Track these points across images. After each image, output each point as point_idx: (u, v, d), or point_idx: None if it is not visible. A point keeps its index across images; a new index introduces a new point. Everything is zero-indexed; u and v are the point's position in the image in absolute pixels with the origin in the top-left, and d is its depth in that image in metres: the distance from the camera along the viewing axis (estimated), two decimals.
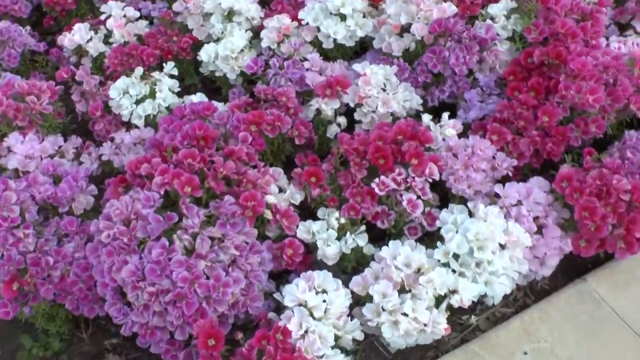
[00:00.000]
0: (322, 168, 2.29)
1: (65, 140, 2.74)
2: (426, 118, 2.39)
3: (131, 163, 2.25)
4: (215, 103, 2.65)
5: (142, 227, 2.03)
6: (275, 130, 2.40)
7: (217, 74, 2.84)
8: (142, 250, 2.02)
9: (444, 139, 2.35)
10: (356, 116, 2.51)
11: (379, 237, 2.26)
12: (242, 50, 2.80)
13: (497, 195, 2.18)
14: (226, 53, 2.76)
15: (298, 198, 2.25)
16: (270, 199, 2.17)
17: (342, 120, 2.56)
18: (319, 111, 2.53)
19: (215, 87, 3.03)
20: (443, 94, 2.60)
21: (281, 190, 2.28)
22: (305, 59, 2.70)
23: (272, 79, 2.68)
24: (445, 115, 2.40)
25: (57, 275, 2.18)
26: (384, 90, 2.49)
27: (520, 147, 2.28)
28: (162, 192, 2.10)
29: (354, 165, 2.26)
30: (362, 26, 2.76)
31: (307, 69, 2.66)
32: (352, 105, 2.50)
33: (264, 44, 2.80)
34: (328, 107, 2.49)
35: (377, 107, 2.46)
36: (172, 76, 2.74)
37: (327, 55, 2.82)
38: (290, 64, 2.66)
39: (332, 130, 2.55)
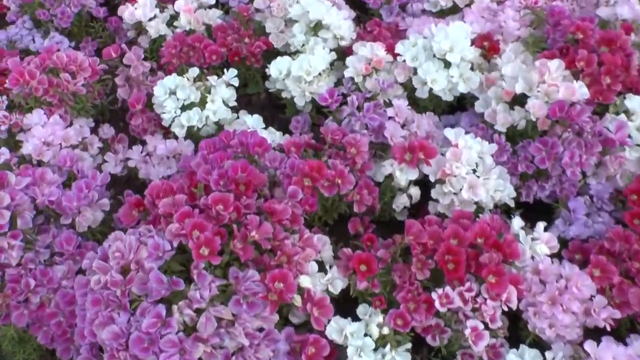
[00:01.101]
0: (377, 255, 1.85)
1: (97, 126, 2.38)
2: (517, 224, 1.91)
3: (152, 188, 1.86)
4: (271, 133, 2.24)
5: (141, 282, 1.64)
6: (334, 189, 1.96)
7: (284, 94, 2.41)
8: (134, 310, 1.63)
9: (532, 257, 1.87)
10: (433, 194, 2.05)
11: (419, 343, 1.82)
12: (319, 74, 2.36)
13: (585, 351, 1.70)
14: (300, 74, 2.32)
15: (339, 286, 1.81)
16: (304, 281, 1.74)
17: (415, 192, 2.11)
18: (390, 175, 2.08)
19: (281, 102, 2.61)
20: (542, 192, 2.11)
21: (321, 267, 1.85)
22: (390, 104, 2.25)
23: (345, 119, 2.24)
24: (541, 226, 1.91)
25: (36, 302, 1.83)
26: (474, 171, 2.02)
27: (628, 296, 1.78)
28: (175, 243, 1.70)
29: (417, 262, 1.81)
30: (467, 80, 2.28)
31: (390, 118, 2.21)
32: (432, 179, 2.04)
33: (347, 73, 2.35)
34: (403, 175, 2.03)
35: (461, 190, 1.99)
36: (230, 85, 2.32)
37: (416, 103, 2.35)
38: (371, 106, 2.20)
39: (401, 201, 2.10)
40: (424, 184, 2.14)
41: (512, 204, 2.07)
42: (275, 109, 2.70)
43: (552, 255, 1.89)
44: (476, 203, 2.02)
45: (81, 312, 1.72)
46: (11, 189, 1.84)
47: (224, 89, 2.29)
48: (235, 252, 1.69)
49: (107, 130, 2.41)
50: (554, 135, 2.06)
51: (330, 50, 2.44)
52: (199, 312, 1.61)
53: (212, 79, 2.29)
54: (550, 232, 1.94)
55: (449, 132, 2.09)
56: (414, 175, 2.05)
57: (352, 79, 2.35)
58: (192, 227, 1.69)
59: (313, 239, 1.84)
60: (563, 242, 1.98)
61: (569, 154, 2.01)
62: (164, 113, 2.26)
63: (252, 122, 2.25)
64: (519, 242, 1.87)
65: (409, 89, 2.35)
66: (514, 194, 2.07)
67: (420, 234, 1.84)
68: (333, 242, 2.04)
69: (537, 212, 2.11)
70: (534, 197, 2.13)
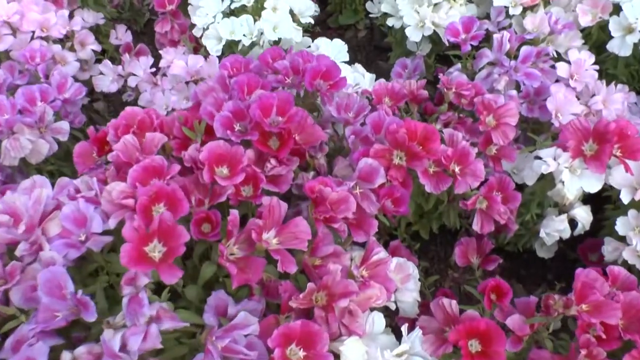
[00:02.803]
0: (508, 325, 0.93)
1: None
2: None
3: (126, 117, 1.04)
4: (355, 71, 1.37)
5: (28, 285, 0.82)
6: (444, 181, 1.07)
7: (390, 21, 1.52)
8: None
9: None
10: (619, 226, 1.09)
11: None
12: None
13: None
14: None
15: None
16: (351, 351, 0.85)
17: (582, 215, 1.17)
18: (547, 177, 1.15)
19: (384, 43, 1.74)
20: None
21: (391, 323, 0.96)
22: (562, 59, 1.31)
23: (484, 70, 1.32)
24: None
25: None
26: None
27: None
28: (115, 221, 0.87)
29: (584, 344, 0.88)
30: None
31: (558, 80, 1.27)
32: (625, 199, 1.09)
33: (497, 1, 1.43)
34: (575, 182, 1.10)
35: None
36: None
37: (602, 69, 1.40)
38: (531, 54, 1.28)
39: (556, 227, 1.16)
40: (596, 201, 1.21)
41: None
42: (377, 53, 1.84)
43: None
44: None
45: None
46: None
47: None
48: (223, 265, 0.83)
49: (122, 34, 1.63)
50: None
51: None
52: None
53: None
54: None
55: None
56: (595, 184, 1.10)
57: (505, 9, 1.42)
58: (155, 197, 0.85)
59: (386, 266, 0.95)
60: None
61: None
62: (196, 18, 1.44)
63: (331, 49, 1.37)
64: None
65: (595, 40, 1.40)
66: None
67: (590, 293, 0.90)
68: (421, 273, 1.16)
69: None
70: None
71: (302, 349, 0.80)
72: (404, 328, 0.91)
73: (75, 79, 1.44)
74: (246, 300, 0.88)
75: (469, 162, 1.09)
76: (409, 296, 1.03)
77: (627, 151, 1.08)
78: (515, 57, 1.29)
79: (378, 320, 0.91)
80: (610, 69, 1.43)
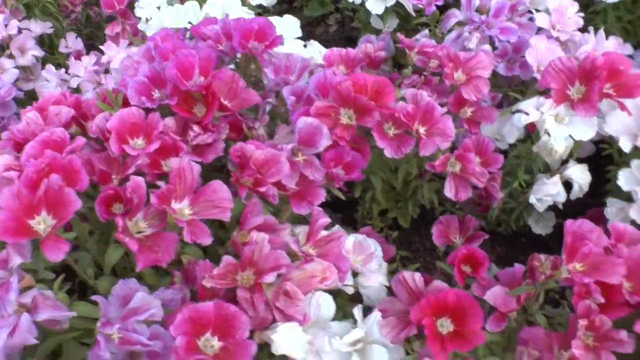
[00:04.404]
0: (487, 299, 0.76)
1: None
2: None
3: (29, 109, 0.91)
4: (310, 48, 1.24)
5: None
6: (407, 142, 0.91)
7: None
8: None
9: None
10: (622, 181, 0.92)
11: None
12: None
13: None
14: None
15: None
16: (283, 340, 0.68)
17: (579, 175, 0.99)
18: (528, 137, 0.98)
19: (354, 32, 1.63)
20: None
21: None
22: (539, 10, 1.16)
23: (453, 32, 1.18)
24: None
25: None
26: None
27: None
28: None
29: (583, 313, 0.70)
30: None
31: (540, 30, 1.12)
32: (625, 147, 0.91)
33: None
34: (562, 130, 0.93)
35: None
36: None
37: (593, 25, 1.24)
38: (504, 7, 1.13)
39: (548, 190, 0.98)
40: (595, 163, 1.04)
41: None
42: (348, 44, 1.70)
43: None
44: None
45: None
46: None
47: None
48: (121, 240, 0.68)
49: (72, 42, 1.52)
50: None
51: None
52: None
53: None
54: None
55: None
56: (587, 130, 0.93)
57: None
58: (48, 170, 0.71)
59: (340, 243, 0.79)
60: None
61: None
62: (140, 8, 1.32)
63: (283, 24, 1.24)
64: None
65: None
66: None
67: (602, 261, 0.72)
68: (400, 263, 1.00)
69: None
70: None
71: (218, 339, 0.64)
72: (356, 310, 0.74)
73: (20, 89, 1.34)
74: (162, 289, 0.72)
75: (435, 120, 0.93)
76: (373, 280, 0.86)
77: (622, 89, 0.91)
78: (486, 11, 1.15)
79: (325, 304, 0.74)
80: (600, 24, 1.27)
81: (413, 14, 1.29)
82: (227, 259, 0.68)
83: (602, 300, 0.69)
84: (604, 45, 1.13)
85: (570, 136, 0.92)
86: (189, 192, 0.73)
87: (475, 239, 0.99)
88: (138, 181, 0.71)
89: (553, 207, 1.03)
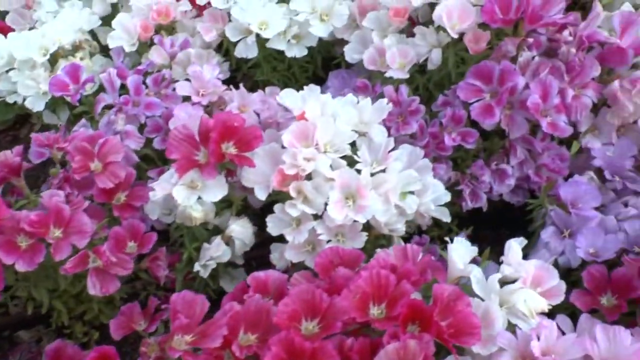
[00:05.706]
0: None
1: None
2: (460, 255, 0.82)
3: None
4: None
5: None
6: (36, 256, 0.85)
7: (11, 99, 1.33)
8: None
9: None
10: (270, 225, 0.94)
11: None
12: (70, 54, 1.30)
13: None
14: (29, 55, 1.26)
15: None
16: None
17: (237, 228, 1.00)
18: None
19: None
20: (502, 183, 1.06)
21: None
22: (188, 80, 1.18)
23: (104, 117, 1.15)
24: (515, 250, 0.83)
25: None
26: (351, 162, 0.95)
27: None
28: None
29: None
30: (329, 16, 1.24)
31: (186, 99, 1.14)
32: (261, 196, 0.94)
33: (112, 42, 1.30)
34: (191, 198, 0.93)
35: (325, 207, 0.90)
36: None
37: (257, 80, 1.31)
38: (139, 83, 1.14)
39: (213, 255, 0.98)
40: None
41: (446, 218, 1.00)
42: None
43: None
44: (367, 226, 0.93)
45: None
46: None
47: None
48: None
49: None
50: (500, 58, 1.00)
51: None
52: None
53: None
54: (534, 258, 0.86)
55: (287, 96, 1.02)
56: (217, 191, 0.94)
57: (123, 50, 1.29)
58: None
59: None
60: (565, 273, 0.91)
61: (539, 88, 0.95)
62: None
63: None
64: (476, 296, 0.78)
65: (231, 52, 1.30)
66: (448, 198, 0.99)
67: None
68: None
69: (497, 226, 1.07)
70: (490, 200, 1.07)
71: None
72: None
73: None
74: None
75: (69, 220, 0.89)
76: None
77: (242, 144, 0.94)
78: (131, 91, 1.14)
79: None
80: (259, 75, 1.33)
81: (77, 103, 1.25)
82: None
83: None
84: (249, 100, 1.17)
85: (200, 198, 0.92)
86: None
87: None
88: None
89: None
